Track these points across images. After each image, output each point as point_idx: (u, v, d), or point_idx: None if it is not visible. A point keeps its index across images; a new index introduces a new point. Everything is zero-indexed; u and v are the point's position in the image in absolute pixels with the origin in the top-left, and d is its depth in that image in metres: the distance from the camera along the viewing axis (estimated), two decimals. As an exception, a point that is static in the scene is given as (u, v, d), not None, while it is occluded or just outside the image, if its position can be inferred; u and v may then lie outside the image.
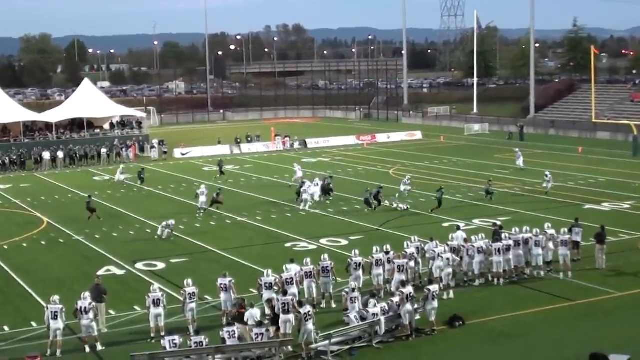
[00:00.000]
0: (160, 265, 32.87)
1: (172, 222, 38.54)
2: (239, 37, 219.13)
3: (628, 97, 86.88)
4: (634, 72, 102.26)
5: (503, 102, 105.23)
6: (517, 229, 30.75)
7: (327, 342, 22.20)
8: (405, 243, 29.37)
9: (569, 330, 24.23)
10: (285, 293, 23.78)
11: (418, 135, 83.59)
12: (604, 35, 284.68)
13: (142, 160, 69.16)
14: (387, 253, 27.94)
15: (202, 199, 43.88)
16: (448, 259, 28.05)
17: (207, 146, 74.57)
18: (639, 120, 68.33)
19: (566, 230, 30.59)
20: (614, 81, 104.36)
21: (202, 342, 21.36)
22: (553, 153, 66.86)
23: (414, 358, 22.49)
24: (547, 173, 47.93)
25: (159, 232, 38.15)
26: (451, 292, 27.65)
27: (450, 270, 28.06)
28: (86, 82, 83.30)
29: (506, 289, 28.39)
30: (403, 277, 26.51)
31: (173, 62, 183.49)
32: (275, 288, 25.09)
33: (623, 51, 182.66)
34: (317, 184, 46.95)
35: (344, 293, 25.02)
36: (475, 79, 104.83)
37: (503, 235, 30.23)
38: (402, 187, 45.89)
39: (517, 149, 59.99)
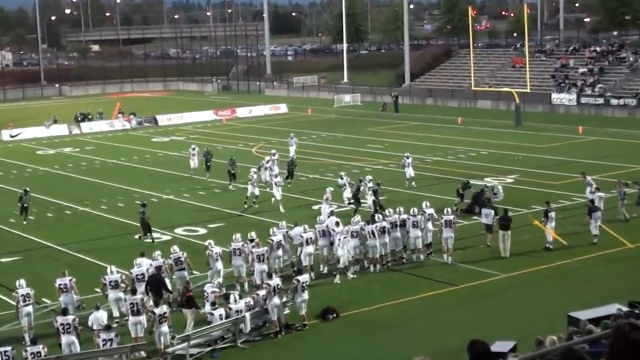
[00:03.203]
0: (-12, 266, 31.82)
1: None
2: (75, 0, 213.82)
3: (509, 63, 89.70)
4: (515, 35, 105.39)
5: (376, 70, 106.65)
6: (391, 210, 31.22)
7: (185, 344, 22.01)
8: (271, 230, 29.39)
9: (453, 316, 24.91)
10: (134, 292, 23.42)
11: (283, 108, 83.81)
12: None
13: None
14: (251, 241, 27.96)
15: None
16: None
17: (40, 126, 72.39)
18: (521, 87, 70.66)
19: (449, 210, 31.26)
20: (494, 45, 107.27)
21: (39, 352, 20.78)
22: (431, 124, 68.38)
23: (282, 356, 22.62)
24: (407, 154, 45.05)
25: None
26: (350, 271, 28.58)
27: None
28: None
29: (384, 276, 28.87)
30: (265, 267, 26.55)
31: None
32: (123, 286, 24.71)
33: (503, 12, 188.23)
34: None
35: (210, 291, 24.76)
36: (345, 45, 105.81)
37: (377, 217, 30.56)
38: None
39: (291, 134, 55.22)
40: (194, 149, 49.80)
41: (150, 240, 33.30)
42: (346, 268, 28.64)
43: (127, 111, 77.59)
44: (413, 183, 42.71)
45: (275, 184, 39.78)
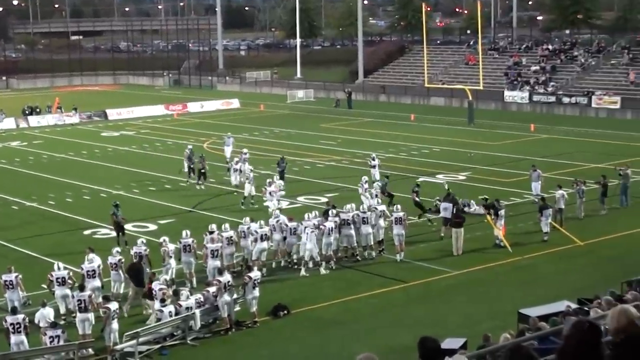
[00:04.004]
0: None
1: None
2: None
3: (463, 60, 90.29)
4: (469, 32, 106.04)
5: (329, 66, 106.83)
6: (349, 206, 31.37)
7: (134, 341, 21.89)
8: (223, 225, 29.37)
9: (404, 314, 25.06)
10: (82, 288, 23.23)
11: (235, 103, 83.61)
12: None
13: None
14: (211, 233, 28.29)
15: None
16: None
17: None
18: (474, 84, 71.15)
19: (399, 207, 31.41)
20: (447, 42, 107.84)
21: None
22: (384, 121, 68.58)
23: (233, 354, 22.60)
24: (373, 156, 44.39)
25: None
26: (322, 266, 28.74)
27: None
28: None
29: (335, 273, 28.95)
30: (217, 264, 26.54)
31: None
32: (70, 282, 24.53)
33: (457, 9, 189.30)
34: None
35: (157, 288, 24.64)
36: (298, 40, 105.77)
37: (330, 212, 30.69)
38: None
39: (228, 134, 53.56)
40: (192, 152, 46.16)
41: (124, 242, 32.07)
42: (317, 262, 28.84)
43: (69, 106, 76.05)
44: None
45: (248, 180, 39.49)
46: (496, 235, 31.75)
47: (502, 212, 31.98)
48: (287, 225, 29.58)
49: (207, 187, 43.05)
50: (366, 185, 36.79)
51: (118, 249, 27.46)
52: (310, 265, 28.93)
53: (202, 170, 43.44)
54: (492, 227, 32.04)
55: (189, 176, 44.57)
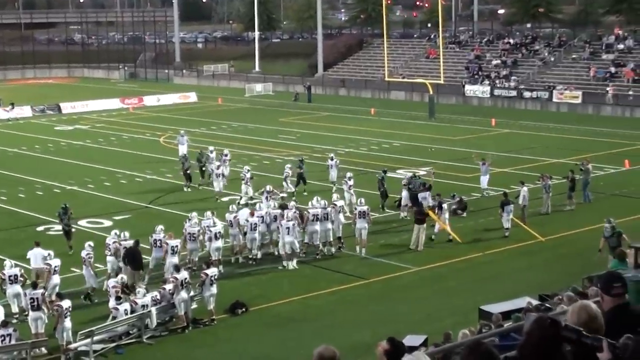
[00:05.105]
0: None
1: None
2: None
3: (423, 53, 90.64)
4: (429, 25, 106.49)
5: (288, 59, 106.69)
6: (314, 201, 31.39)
7: (88, 340, 21.71)
8: (184, 222, 29.33)
9: (364, 311, 25.10)
10: (35, 286, 22.99)
11: (193, 97, 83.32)
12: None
13: None
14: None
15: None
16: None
17: None
18: (435, 78, 71.47)
19: (363, 200, 31.56)
20: (408, 36, 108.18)
21: None
22: (343, 115, 68.69)
23: (190, 352, 22.49)
24: (331, 156, 42.69)
25: None
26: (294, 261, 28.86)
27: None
28: None
29: (295, 269, 28.93)
30: (176, 260, 26.43)
31: None
32: (22, 280, 24.31)
33: (418, 3, 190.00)
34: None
35: (111, 285, 24.46)
36: (257, 33, 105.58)
37: (290, 205, 31.01)
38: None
39: (181, 132, 51.76)
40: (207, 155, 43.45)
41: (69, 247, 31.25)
42: (290, 256, 28.95)
43: (6, 100, 74.62)
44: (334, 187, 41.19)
45: (217, 175, 39.13)
46: (438, 229, 32.12)
47: (445, 205, 32.43)
48: (247, 221, 29.55)
49: (174, 185, 42.81)
50: (350, 182, 36.25)
51: (91, 243, 27.11)
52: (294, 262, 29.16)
53: (187, 172, 41.68)
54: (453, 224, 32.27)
55: (201, 178, 41.89)
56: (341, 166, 41.52)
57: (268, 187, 34.57)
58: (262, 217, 30.00)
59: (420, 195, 33.60)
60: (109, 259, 27.01)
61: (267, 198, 33.22)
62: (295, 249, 29.14)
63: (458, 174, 43.78)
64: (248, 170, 38.85)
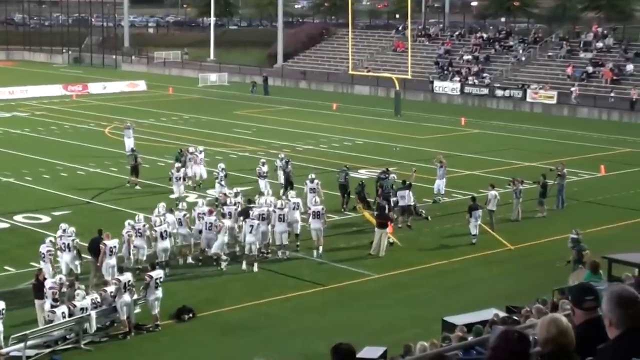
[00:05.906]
0: None
1: None
2: None
3: (390, 46, 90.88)
4: (397, 16, 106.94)
5: (246, 48, 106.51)
6: (262, 200, 31.37)
7: (21, 345, 21.51)
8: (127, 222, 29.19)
9: (320, 319, 25.11)
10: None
11: (142, 85, 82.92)
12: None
13: None
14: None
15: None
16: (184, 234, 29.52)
17: None
18: (402, 73, 71.67)
19: (317, 200, 31.57)
20: (374, 27, 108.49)
21: None
22: (303, 109, 68.73)
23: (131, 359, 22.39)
24: (281, 156, 41.39)
25: None
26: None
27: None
28: None
29: (246, 273, 28.86)
30: (114, 262, 26.29)
31: None
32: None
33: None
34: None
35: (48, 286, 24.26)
36: (213, 19, 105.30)
37: (258, 202, 31.39)
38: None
39: (127, 124, 50.46)
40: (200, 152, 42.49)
41: None
42: (253, 257, 28.95)
43: None
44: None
45: (177, 178, 38.02)
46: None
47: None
48: (202, 219, 29.58)
49: (119, 180, 42.58)
50: (312, 185, 35.68)
51: (52, 238, 27.09)
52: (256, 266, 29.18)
53: (136, 167, 41.06)
54: (416, 229, 32.36)
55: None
56: (300, 164, 41.51)
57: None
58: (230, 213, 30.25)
59: (399, 194, 33.66)
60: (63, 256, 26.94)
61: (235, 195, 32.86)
62: (254, 251, 29.05)
63: (423, 175, 43.84)
64: (222, 169, 38.01)
